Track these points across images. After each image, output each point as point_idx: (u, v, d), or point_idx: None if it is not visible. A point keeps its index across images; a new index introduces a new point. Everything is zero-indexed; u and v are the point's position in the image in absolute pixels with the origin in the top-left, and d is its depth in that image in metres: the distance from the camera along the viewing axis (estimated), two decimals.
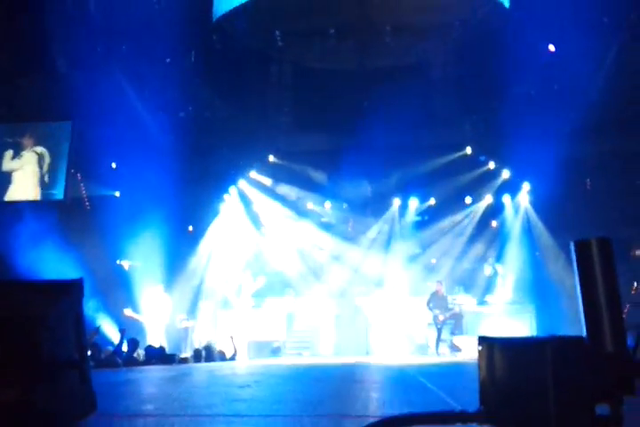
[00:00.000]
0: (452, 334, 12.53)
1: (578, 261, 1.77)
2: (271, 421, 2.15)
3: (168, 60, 14.92)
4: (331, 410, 2.56)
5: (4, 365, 1.84)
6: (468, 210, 16.48)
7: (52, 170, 14.45)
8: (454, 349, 12.08)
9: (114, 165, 14.92)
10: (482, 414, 1.73)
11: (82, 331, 2.11)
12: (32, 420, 1.78)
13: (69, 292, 2.03)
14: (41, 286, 2.06)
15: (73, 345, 2.03)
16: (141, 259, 14.32)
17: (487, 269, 14.77)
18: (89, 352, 9.97)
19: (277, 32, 15.14)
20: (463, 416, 1.66)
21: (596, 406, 1.61)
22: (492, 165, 16.08)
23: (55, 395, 1.88)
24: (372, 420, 1.47)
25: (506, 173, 16.03)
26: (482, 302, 14.05)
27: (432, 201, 16.47)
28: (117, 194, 15.17)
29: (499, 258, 15.26)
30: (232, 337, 11.90)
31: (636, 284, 12.40)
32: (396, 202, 16.55)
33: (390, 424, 1.49)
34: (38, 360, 1.84)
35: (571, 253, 1.78)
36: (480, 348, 1.98)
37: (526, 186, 15.82)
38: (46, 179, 14.47)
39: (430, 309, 12.69)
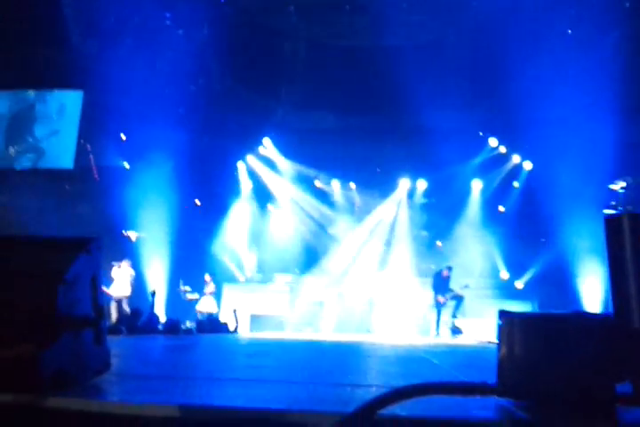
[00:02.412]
0: (454, 316, 12.56)
1: (608, 236, 1.74)
2: (286, 386, 2.15)
3: (181, 31, 14.74)
4: (341, 380, 2.56)
5: (20, 320, 1.83)
6: (476, 193, 16.41)
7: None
8: (455, 331, 12.12)
9: (123, 137, 14.86)
10: (501, 387, 1.72)
11: (99, 290, 2.10)
12: (46, 375, 1.78)
13: (87, 249, 2.01)
14: (59, 242, 2.04)
15: (90, 303, 2.02)
16: (148, 230, 14.36)
17: (483, 254, 14.79)
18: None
19: (292, 7, 14.92)
20: (483, 388, 1.64)
21: (618, 383, 1.59)
22: (502, 149, 15.95)
23: (70, 352, 1.87)
24: (384, 390, 1.45)
25: (516, 158, 15.91)
26: (484, 287, 14.08)
27: (439, 184, 16.38)
28: (127, 165, 15.13)
29: (504, 243, 15.25)
30: (235, 310, 11.97)
31: None
32: (404, 183, 16.48)
33: (411, 393, 1.47)
34: (54, 317, 1.83)
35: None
36: (500, 322, 1.96)
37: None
38: None
39: (435, 291, 12.70)
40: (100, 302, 2.09)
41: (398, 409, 1.44)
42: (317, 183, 16.71)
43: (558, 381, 1.63)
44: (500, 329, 1.94)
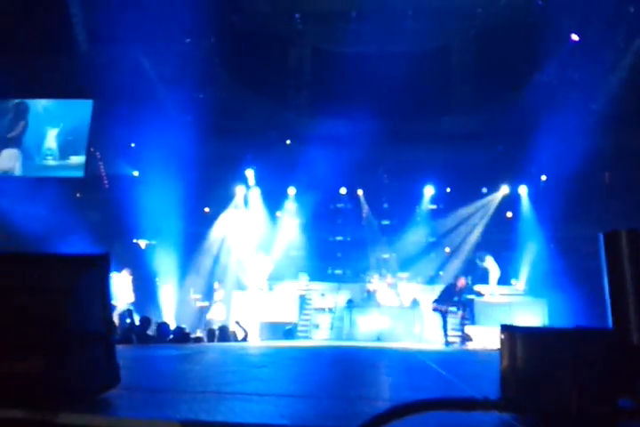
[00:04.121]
0: (463, 324, 12.50)
1: (606, 252, 1.76)
2: (289, 400, 2.18)
3: (188, 40, 14.89)
4: (346, 393, 2.58)
5: (30, 334, 1.87)
6: (484, 200, 16.39)
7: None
8: (465, 338, 12.07)
9: (133, 145, 15.00)
10: (503, 402, 1.74)
11: (108, 305, 2.14)
12: (56, 392, 1.81)
13: (97, 265, 2.05)
14: (69, 258, 2.08)
15: (99, 318, 2.06)
16: (158, 238, 14.45)
17: (492, 261, 14.71)
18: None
19: (298, 15, 15.02)
20: (485, 404, 1.66)
21: (618, 397, 1.60)
22: (509, 155, 15.91)
23: (80, 367, 1.91)
24: (388, 404, 1.48)
25: (523, 165, 15.87)
26: (494, 293, 14.02)
27: (448, 189, 16.38)
28: (136, 173, 15.25)
29: (509, 249, 15.21)
30: (238, 322, 11.91)
31: None
32: (413, 189, 16.48)
33: (413, 409, 1.49)
34: (64, 332, 1.87)
35: (596, 245, 1.77)
36: (502, 336, 1.99)
37: (543, 178, 15.69)
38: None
39: (439, 302, 12.57)
40: (109, 316, 2.13)
41: (398, 425, 1.46)
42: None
43: (560, 396, 1.64)
44: (502, 344, 1.97)
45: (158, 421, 1.59)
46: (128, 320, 10.58)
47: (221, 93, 15.96)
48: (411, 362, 5.21)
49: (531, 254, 14.99)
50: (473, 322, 12.88)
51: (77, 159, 14.61)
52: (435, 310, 12.01)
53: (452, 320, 12.34)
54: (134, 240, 14.81)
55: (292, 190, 16.49)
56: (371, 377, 3.72)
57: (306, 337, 13.31)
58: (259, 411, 1.89)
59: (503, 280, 14.75)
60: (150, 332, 10.10)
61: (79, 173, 14.18)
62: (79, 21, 13.28)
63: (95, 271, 2.04)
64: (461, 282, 12.49)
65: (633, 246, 1.71)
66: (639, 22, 13.01)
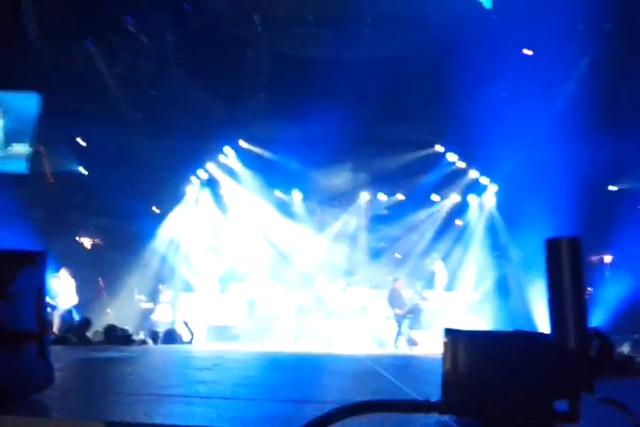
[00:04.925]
0: (411, 328, 12.70)
1: (548, 258, 1.80)
2: (232, 403, 2.14)
3: (143, 36, 14.58)
4: (291, 396, 2.56)
5: None
6: (434, 207, 16.69)
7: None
8: (411, 343, 12.26)
9: (81, 141, 14.56)
10: (444, 404, 1.75)
11: (43, 304, 2.05)
12: None
13: (33, 263, 1.97)
14: (3, 255, 1.99)
15: (33, 317, 1.97)
16: (102, 237, 14.07)
17: (440, 267, 15.02)
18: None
19: (256, 16, 14.94)
20: (426, 406, 1.67)
21: (555, 401, 1.64)
22: (460, 164, 16.28)
23: (11, 367, 1.83)
24: (333, 406, 1.47)
25: (474, 173, 16.26)
26: (442, 299, 14.27)
27: (400, 196, 16.61)
28: (82, 170, 14.81)
29: (461, 256, 15.54)
30: (186, 322, 11.74)
31: (589, 288, 12.74)
32: (364, 195, 16.63)
33: (355, 410, 1.49)
34: None
35: (538, 253, 1.81)
36: (445, 340, 2.01)
37: (493, 187, 16.11)
38: None
39: (390, 305, 12.85)
40: (44, 315, 2.05)
41: None
42: (277, 193, 16.71)
43: (499, 399, 1.67)
44: (445, 346, 1.99)
45: (89, 423, 1.53)
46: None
47: (175, 92, 15.70)
48: (359, 367, 5.23)
49: (477, 261, 15.35)
50: (420, 327, 13.08)
51: (21, 148, 14.05)
52: (396, 315, 12.25)
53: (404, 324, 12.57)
54: (78, 239, 14.37)
55: (245, 192, 16.37)
56: (318, 381, 3.71)
57: (254, 341, 13.21)
58: (199, 414, 1.84)
59: (450, 286, 15.05)
60: (90, 334, 9.81)
61: (21, 167, 13.63)
62: (30, 14, 12.83)
63: (31, 269, 1.96)
64: (399, 284, 12.80)
65: (572, 254, 1.75)
66: (590, 40, 13.53)
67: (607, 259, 14.29)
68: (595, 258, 14.10)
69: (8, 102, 14.34)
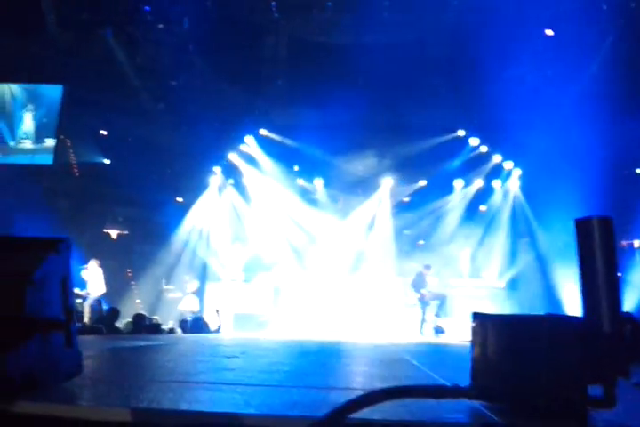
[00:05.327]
0: (437, 315, 12.64)
1: (578, 239, 1.74)
2: (259, 390, 2.13)
3: (161, 25, 14.60)
4: (318, 382, 2.55)
5: None
6: (458, 193, 16.50)
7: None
8: (438, 330, 12.20)
9: (104, 132, 14.70)
10: (473, 390, 1.72)
11: (69, 292, 2.06)
12: (14, 379, 1.74)
13: (58, 250, 1.97)
14: (28, 242, 2.00)
15: (59, 305, 1.98)
16: (129, 228, 14.23)
17: (465, 254, 14.90)
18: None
19: (274, 2, 14.85)
20: (455, 391, 1.64)
21: (589, 386, 1.60)
22: (483, 148, 16.05)
23: (38, 354, 1.84)
24: (360, 393, 1.45)
25: (497, 158, 16.03)
26: (467, 286, 14.18)
27: (422, 182, 16.46)
28: (107, 161, 14.97)
29: (486, 243, 15.38)
30: (217, 311, 11.90)
31: (619, 273, 12.49)
32: (387, 182, 16.51)
33: (383, 396, 1.47)
34: (21, 318, 1.79)
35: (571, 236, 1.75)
36: (474, 324, 1.97)
37: (517, 171, 15.86)
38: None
39: (415, 289, 12.77)
40: (70, 303, 2.06)
41: (369, 413, 1.43)
42: (300, 181, 16.69)
43: (530, 383, 1.63)
44: (474, 331, 1.95)
45: (117, 409, 1.54)
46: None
47: (195, 81, 15.72)
48: (385, 354, 5.21)
49: (503, 247, 15.18)
50: (446, 315, 13.01)
51: (53, 142, 14.30)
52: (421, 298, 12.20)
53: (428, 312, 12.52)
54: (105, 230, 14.56)
55: (267, 180, 16.37)
56: (344, 368, 3.70)
57: (281, 328, 13.29)
58: (225, 400, 1.84)
59: (476, 272, 14.93)
60: (120, 324, 9.96)
61: (48, 160, 13.82)
62: (49, 4, 12.92)
63: (56, 256, 1.96)
64: (427, 271, 12.72)
65: (604, 234, 1.69)
66: (613, 19, 13.17)
67: (637, 244, 14.01)
68: (625, 243, 13.83)
69: (37, 95, 14.54)
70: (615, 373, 1.57)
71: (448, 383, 1.66)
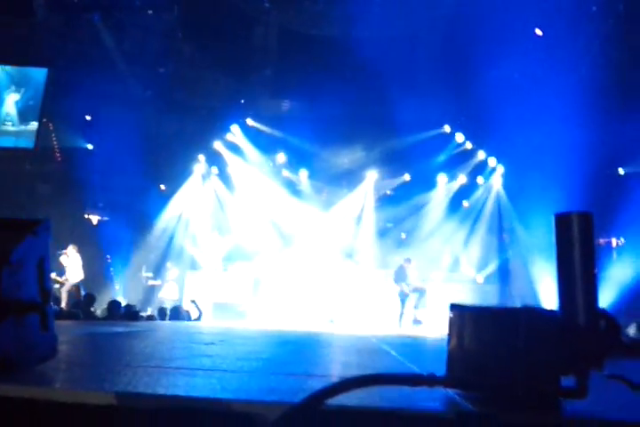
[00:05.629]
0: (415, 307, 12.76)
1: (558, 233, 1.76)
2: (236, 375, 2.13)
3: (150, 11, 14.43)
4: (296, 370, 2.56)
5: None
6: (442, 188, 16.59)
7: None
8: (416, 322, 12.34)
9: (88, 117, 14.51)
10: (449, 378, 1.74)
11: (45, 274, 2.03)
12: None
13: (35, 232, 1.95)
14: (6, 223, 1.96)
15: (35, 287, 1.96)
16: (111, 214, 14.11)
17: (447, 248, 15.03)
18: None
19: None
20: (430, 380, 1.65)
21: (562, 377, 1.62)
22: (468, 145, 16.15)
23: (13, 336, 1.82)
24: (337, 380, 1.45)
25: (482, 154, 16.14)
26: (447, 280, 14.31)
27: (406, 177, 16.52)
28: (90, 146, 14.80)
29: (466, 238, 15.50)
30: (194, 301, 11.83)
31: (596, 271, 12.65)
32: (371, 175, 16.54)
33: (359, 383, 1.47)
34: None
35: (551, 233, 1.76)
36: (451, 315, 1.98)
37: (500, 169, 15.98)
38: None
39: (396, 282, 12.88)
40: (47, 285, 2.03)
41: (345, 399, 1.43)
42: (285, 172, 16.66)
43: (505, 373, 1.65)
44: (451, 322, 1.96)
45: (92, 392, 1.53)
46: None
47: (183, 69, 15.59)
48: (363, 344, 5.24)
49: (482, 242, 15.32)
50: (424, 307, 13.12)
51: (34, 125, 14.10)
52: (402, 292, 12.29)
53: (408, 304, 12.62)
54: (86, 215, 14.41)
55: (252, 170, 16.31)
56: (322, 357, 3.72)
57: (260, 318, 13.30)
58: (201, 385, 1.84)
59: (455, 266, 15.06)
60: (98, 310, 9.90)
61: (30, 143, 13.62)
62: None
63: (34, 238, 1.93)
64: (408, 264, 12.82)
65: (584, 229, 1.71)
66: (603, 21, 13.28)
67: (615, 242, 14.22)
68: (603, 241, 14.02)
69: (23, 78, 14.31)
70: (589, 365, 1.60)
71: (424, 373, 1.67)
